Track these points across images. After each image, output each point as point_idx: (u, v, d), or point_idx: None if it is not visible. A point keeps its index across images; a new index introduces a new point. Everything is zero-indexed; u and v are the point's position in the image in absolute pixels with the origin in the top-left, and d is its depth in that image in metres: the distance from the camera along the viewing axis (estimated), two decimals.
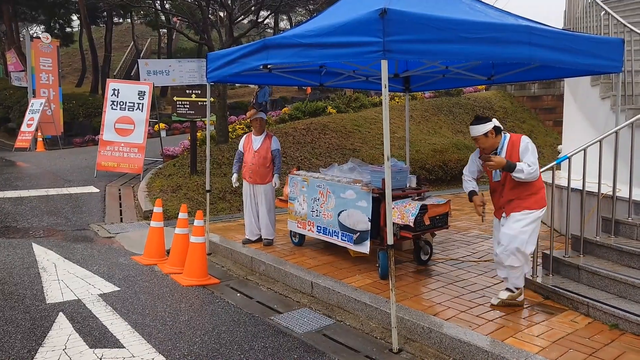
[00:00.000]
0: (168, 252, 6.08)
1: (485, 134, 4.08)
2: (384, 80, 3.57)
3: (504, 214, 4.15)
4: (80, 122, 19.47)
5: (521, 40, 3.98)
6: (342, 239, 5.32)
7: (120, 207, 8.90)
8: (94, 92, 26.52)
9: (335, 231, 5.40)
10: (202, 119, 10.19)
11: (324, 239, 5.60)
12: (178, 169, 10.66)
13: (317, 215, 5.64)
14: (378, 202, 5.01)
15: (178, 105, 9.90)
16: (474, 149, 4.54)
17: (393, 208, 4.85)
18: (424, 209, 4.80)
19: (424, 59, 5.37)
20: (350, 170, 5.71)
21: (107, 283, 5.02)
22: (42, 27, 26.85)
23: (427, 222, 4.83)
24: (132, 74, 31.00)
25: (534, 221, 4.05)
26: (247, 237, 6.36)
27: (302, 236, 6.12)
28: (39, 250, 6.03)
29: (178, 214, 8.35)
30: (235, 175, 6.42)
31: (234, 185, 6.50)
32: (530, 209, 4.02)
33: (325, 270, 5.22)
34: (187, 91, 9.97)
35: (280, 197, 6.51)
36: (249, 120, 6.34)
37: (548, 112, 19.60)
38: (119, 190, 9.91)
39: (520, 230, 4.01)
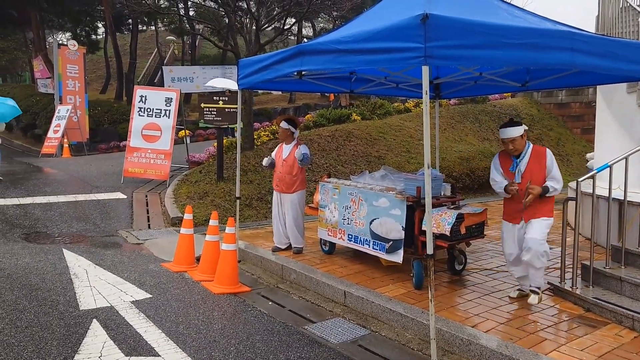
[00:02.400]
0: (197, 259, 6.07)
1: (521, 136, 4.37)
2: (425, 87, 3.50)
3: (522, 220, 4.40)
4: (105, 129, 19.74)
5: (563, 46, 3.87)
6: (373, 248, 5.24)
7: (148, 213, 8.95)
8: (118, 98, 26.93)
9: (366, 240, 5.32)
10: (230, 126, 10.20)
11: (355, 247, 5.53)
12: (204, 176, 10.70)
13: (348, 224, 5.57)
14: (412, 210, 4.92)
15: (205, 112, 9.94)
16: None
17: None
18: (460, 217, 4.69)
19: (464, 65, 5.29)
20: (382, 178, 5.63)
21: (139, 290, 5.02)
22: (68, 34, 27.36)
23: (463, 231, 4.72)
24: (155, 81, 31.41)
25: (549, 227, 4.36)
26: (277, 245, 6.31)
27: (332, 244, 6.05)
28: (69, 256, 6.07)
29: (206, 220, 8.43)
30: (267, 158, 6.29)
31: (263, 164, 6.35)
32: (547, 216, 4.34)
33: (358, 279, 5.14)
34: (215, 98, 10.00)
35: (310, 205, 6.47)
36: (278, 126, 6.31)
37: (576, 119, 19.27)
38: (146, 196, 9.97)
39: (544, 234, 4.30)
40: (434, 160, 8.79)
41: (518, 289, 4.70)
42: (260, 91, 29.83)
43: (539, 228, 4.29)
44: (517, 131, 4.35)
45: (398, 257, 4.96)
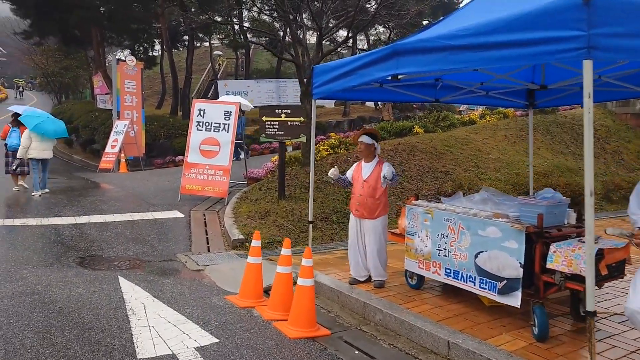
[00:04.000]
0: (265, 290, 5.35)
1: None
2: (587, 88, 2.62)
3: None
4: (161, 143, 19.65)
5: None
6: (480, 287, 4.33)
7: (207, 234, 8.36)
8: (173, 113, 27.11)
9: (471, 276, 4.43)
10: (292, 140, 9.54)
11: (455, 284, 4.63)
12: (264, 193, 10.07)
13: (445, 255, 4.69)
14: (530, 242, 4.00)
15: (267, 126, 9.31)
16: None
17: (554, 252, 3.82)
18: (599, 254, 3.73)
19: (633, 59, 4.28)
20: (482, 202, 4.73)
21: (204, 332, 4.32)
22: (126, 51, 27.96)
23: (604, 272, 3.74)
24: (209, 95, 31.59)
25: None
26: (354, 277, 5.49)
27: (421, 278, 5.17)
28: (126, 286, 5.48)
29: (269, 242, 7.74)
30: (333, 169, 5.43)
31: (329, 174, 5.47)
32: None
33: (461, 325, 4.24)
34: (277, 110, 9.37)
35: (393, 231, 5.62)
36: (355, 143, 5.48)
37: None
38: (204, 215, 9.42)
39: None
40: (501, 177, 7.79)
41: None
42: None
43: None
44: None
45: (515, 300, 4.03)
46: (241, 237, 7.87)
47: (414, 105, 26.99)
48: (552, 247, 3.80)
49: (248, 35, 27.22)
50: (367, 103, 32.92)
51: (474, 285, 4.39)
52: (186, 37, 31.29)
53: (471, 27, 3.22)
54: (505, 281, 4.09)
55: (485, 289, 4.29)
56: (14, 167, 10.94)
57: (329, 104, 29.48)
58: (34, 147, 10.49)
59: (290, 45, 15.91)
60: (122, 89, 18.15)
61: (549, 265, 3.81)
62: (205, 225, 8.83)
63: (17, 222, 8.29)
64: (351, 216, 5.51)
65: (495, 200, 4.64)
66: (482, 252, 4.29)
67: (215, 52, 35.29)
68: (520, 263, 3.97)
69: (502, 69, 4.96)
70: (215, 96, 23.71)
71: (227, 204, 9.88)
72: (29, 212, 9.09)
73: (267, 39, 25.31)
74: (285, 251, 4.97)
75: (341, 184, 5.58)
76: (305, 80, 11.15)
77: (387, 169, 5.08)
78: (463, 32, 3.25)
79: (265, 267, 5.49)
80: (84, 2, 21.90)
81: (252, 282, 5.26)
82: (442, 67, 3.47)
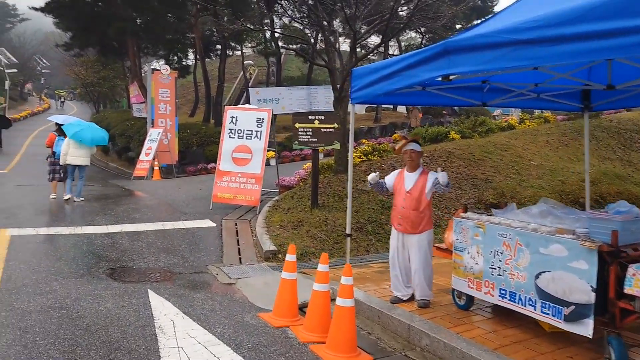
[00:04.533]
0: (301, 307, 5.01)
1: None
2: None
3: None
4: (194, 151, 19.66)
5: None
6: (543, 312, 3.87)
7: (238, 244, 8.09)
8: (206, 121, 27.25)
9: (530, 299, 3.97)
10: (326, 147, 9.21)
11: (511, 307, 4.18)
12: (297, 202, 9.76)
13: (499, 275, 4.25)
14: (603, 263, 3.53)
15: (300, 133, 9.01)
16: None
17: (633, 274, 3.35)
18: None
19: None
20: (541, 215, 4.26)
21: (236, 356, 3.99)
22: (161, 61, 28.38)
23: None
24: (241, 103, 31.66)
25: None
26: (396, 295, 5.09)
27: (470, 298, 4.73)
28: (155, 301, 5.22)
29: (302, 254, 7.42)
30: (374, 174, 5.05)
31: (369, 179, 5.09)
32: None
33: (521, 355, 3.79)
34: (310, 117, 9.06)
35: (438, 245, 5.20)
36: (399, 153, 5.08)
37: None
38: (236, 224, 9.17)
39: None
40: (545, 184, 7.22)
41: None
42: None
43: None
44: None
45: (585, 329, 3.56)
46: (274, 248, 7.56)
47: (444, 111, 26.34)
48: (631, 270, 3.33)
49: (279, 43, 27.17)
50: (399, 109, 32.37)
51: (534, 309, 3.93)
52: (218, 47, 31.57)
53: (539, 18, 2.82)
54: (573, 307, 3.62)
55: (548, 314, 3.82)
56: (61, 175, 11.02)
57: (360, 109, 29.09)
58: (70, 153, 10.75)
59: (321, 51, 15.66)
60: (156, 97, 18.24)
61: (627, 290, 3.34)
62: (237, 235, 8.57)
63: (52, 230, 8.21)
64: (392, 230, 5.11)
65: (557, 214, 4.17)
66: (544, 272, 3.84)
67: (246, 62, 35.50)
68: (591, 287, 3.50)
69: (564, 68, 4.51)
70: (248, 104, 23.74)
71: (258, 213, 9.62)
72: (64, 221, 9.03)
73: (299, 45, 25.20)
74: (322, 267, 4.61)
75: (377, 190, 5.18)
76: (338, 86, 10.84)
77: (442, 174, 4.65)
78: (530, 24, 2.84)
79: (299, 281, 5.14)
80: (122, 14, 22.29)
81: (286, 300, 4.92)
82: (503, 65, 3.07)
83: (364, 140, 20.49)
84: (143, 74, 26.26)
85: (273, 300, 5.09)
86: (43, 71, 58.66)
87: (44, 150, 12.43)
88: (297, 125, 9.08)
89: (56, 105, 55.20)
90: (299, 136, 9.08)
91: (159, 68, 19.89)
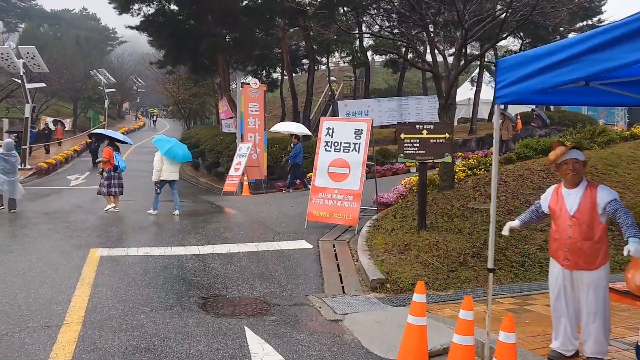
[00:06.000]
0: (430, 355, 4.01)
1: None
2: None
3: None
4: (282, 166, 19.24)
5: None
6: None
7: (339, 269, 7.21)
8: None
9: None
10: (435, 160, 8.13)
11: None
12: (400, 222, 8.72)
13: None
14: None
15: (406, 144, 7.99)
16: None
17: None
18: None
19: None
20: None
21: None
22: (249, 77, 28.76)
23: None
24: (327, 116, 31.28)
25: None
26: (558, 350, 3.91)
27: None
28: (254, 344, 4.43)
29: (413, 284, 6.35)
30: (515, 223, 4.14)
31: (503, 232, 4.16)
32: None
33: None
34: (417, 127, 8.03)
35: (616, 287, 3.97)
36: (553, 164, 3.95)
37: None
38: (334, 246, 8.31)
39: None
40: None
41: None
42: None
43: None
44: None
45: None
46: (381, 276, 6.59)
47: (533, 123, 23.92)
48: None
49: (368, 53, 26.43)
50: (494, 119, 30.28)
51: None
52: (305, 60, 31.47)
53: None
54: None
55: None
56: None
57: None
58: (164, 169, 11.03)
59: (418, 57, 14.60)
60: (245, 111, 18.05)
61: None
62: (337, 259, 7.69)
63: (142, 251, 7.80)
64: (552, 263, 3.96)
65: None
66: None
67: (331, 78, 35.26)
68: None
69: None
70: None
71: (357, 233, 8.71)
72: (154, 240, 8.64)
73: (389, 56, 24.27)
74: (465, 314, 3.58)
75: (532, 223, 4.12)
76: (444, 92, 9.75)
77: (606, 194, 3.50)
78: None
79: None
80: (212, 31, 22.69)
81: (414, 351, 3.92)
82: None
83: (459, 153, 19.04)
84: (232, 90, 26.61)
85: (389, 345, 4.19)
86: (139, 90, 62.38)
87: (137, 166, 12.48)
88: (402, 136, 8.07)
89: (149, 123, 58.22)
90: (405, 148, 8.06)
91: (248, 82, 19.83)
